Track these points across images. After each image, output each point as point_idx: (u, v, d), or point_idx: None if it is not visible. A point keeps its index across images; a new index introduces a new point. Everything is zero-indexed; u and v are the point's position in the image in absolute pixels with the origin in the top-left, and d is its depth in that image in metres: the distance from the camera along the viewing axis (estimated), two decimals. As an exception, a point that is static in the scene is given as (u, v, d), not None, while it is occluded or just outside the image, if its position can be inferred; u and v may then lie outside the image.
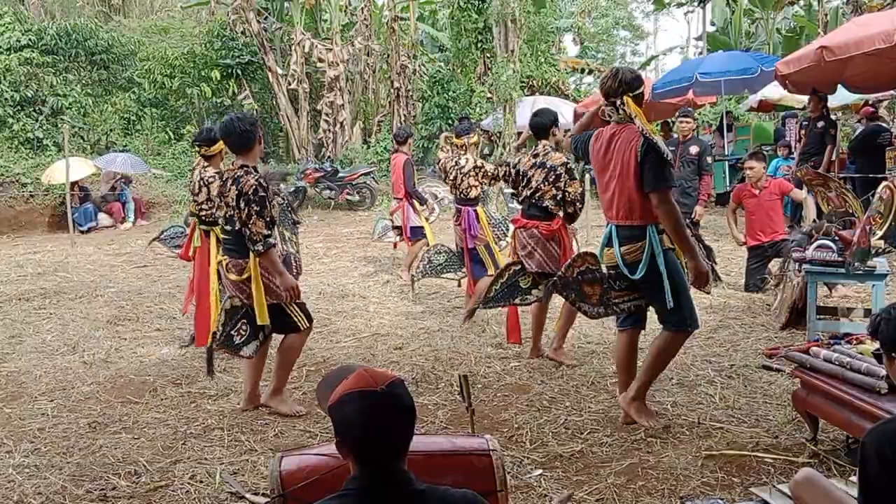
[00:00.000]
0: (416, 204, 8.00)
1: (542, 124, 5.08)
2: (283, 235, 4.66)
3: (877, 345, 2.32)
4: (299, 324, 4.27)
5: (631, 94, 3.70)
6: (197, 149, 5.63)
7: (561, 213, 5.03)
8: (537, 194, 5.01)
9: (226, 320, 4.18)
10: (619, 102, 3.73)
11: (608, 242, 3.86)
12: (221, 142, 4.74)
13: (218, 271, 4.82)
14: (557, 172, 4.96)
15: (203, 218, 5.43)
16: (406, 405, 1.72)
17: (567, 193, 4.98)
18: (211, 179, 5.27)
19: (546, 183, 4.98)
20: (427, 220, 8.25)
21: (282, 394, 4.36)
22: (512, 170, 5.23)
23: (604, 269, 3.91)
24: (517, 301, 5.04)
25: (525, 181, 5.08)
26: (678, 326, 3.80)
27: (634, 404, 3.89)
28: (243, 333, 4.22)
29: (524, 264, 5.01)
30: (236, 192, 3.98)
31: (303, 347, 4.49)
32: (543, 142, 5.08)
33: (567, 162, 5.02)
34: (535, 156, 5.06)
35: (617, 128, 3.79)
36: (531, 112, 5.50)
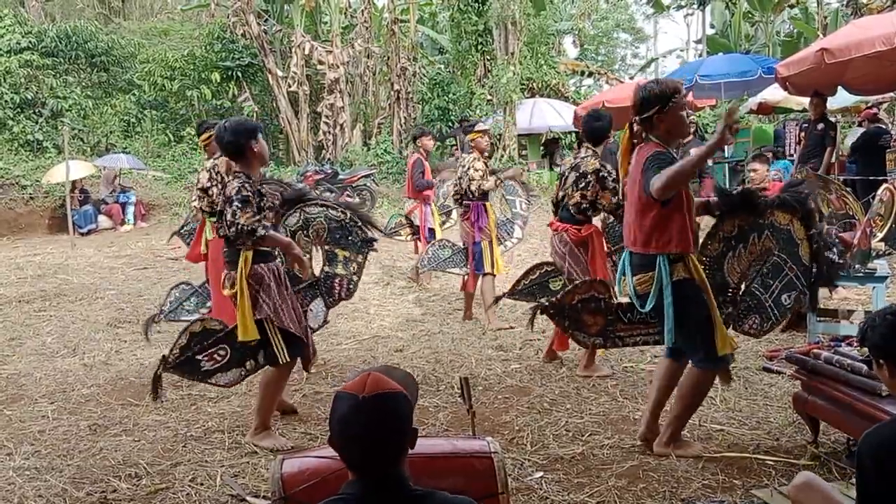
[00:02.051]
0: (433, 205, 8.06)
1: (601, 129, 4.90)
2: (332, 255, 4.34)
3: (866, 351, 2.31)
4: (278, 356, 3.83)
5: (639, 117, 3.48)
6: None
7: (595, 220, 4.92)
8: (565, 198, 4.95)
9: (188, 343, 3.82)
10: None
11: (623, 271, 3.62)
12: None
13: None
14: (588, 179, 4.82)
15: (207, 211, 5.31)
16: (389, 418, 1.66)
17: (598, 203, 4.84)
18: (201, 168, 5.30)
19: (574, 188, 4.89)
20: (442, 224, 8.27)
21: (266, 429, 3.93)
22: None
23: (617, 300, 3.81)
24: (542, 300, 4.99)
25: (562, 182, 5.03)
26: (705, 364, 3.49)
27: (670, 447, 3.58)
28: (218, 359, 3.87)
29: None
30: (224, 198, 3.83)
31: (283, 386, 4.04)
32: (588, 145, 4.93)
33: (600, 170, 4.81)
34: (576, 157, 5.01)
35: (638, 149, 3.54)
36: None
